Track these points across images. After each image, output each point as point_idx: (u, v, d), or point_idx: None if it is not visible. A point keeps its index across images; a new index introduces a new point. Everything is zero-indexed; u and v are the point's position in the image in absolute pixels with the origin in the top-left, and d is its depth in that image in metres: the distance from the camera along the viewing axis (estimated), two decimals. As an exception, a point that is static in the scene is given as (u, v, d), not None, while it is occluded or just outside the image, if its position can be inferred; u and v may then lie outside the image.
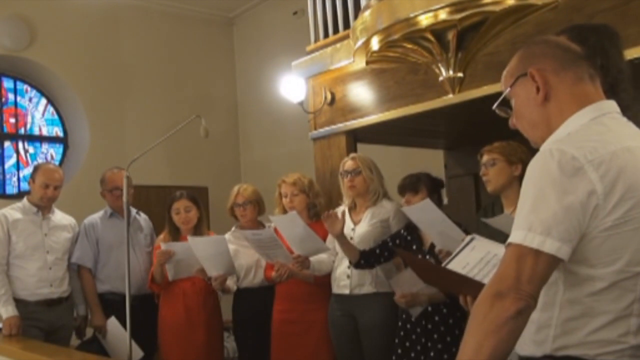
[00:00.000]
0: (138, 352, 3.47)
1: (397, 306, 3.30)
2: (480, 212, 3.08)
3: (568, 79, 1.45)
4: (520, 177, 2.84)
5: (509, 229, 2.55)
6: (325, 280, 3.54)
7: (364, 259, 3.26)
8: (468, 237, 1.88)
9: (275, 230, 3.53)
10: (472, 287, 1.61)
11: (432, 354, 3.03)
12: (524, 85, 1.48)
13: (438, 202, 3.24)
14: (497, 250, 1.82)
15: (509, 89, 1.53)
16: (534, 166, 1.36)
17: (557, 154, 1.31)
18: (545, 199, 1.29)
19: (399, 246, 3.23)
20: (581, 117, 1.42)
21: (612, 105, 1.46)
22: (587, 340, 1.32)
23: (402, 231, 3.29)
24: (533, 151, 2.96)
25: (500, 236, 2.68)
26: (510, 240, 1.32)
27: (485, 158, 2.91)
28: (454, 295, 1.77)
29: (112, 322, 3.70)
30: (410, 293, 3.04)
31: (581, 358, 1.33)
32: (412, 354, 3.10)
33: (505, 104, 1.57)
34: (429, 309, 3.09)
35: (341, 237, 3.25)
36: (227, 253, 3.52)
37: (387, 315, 3.31)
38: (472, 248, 1.90)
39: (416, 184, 3.20)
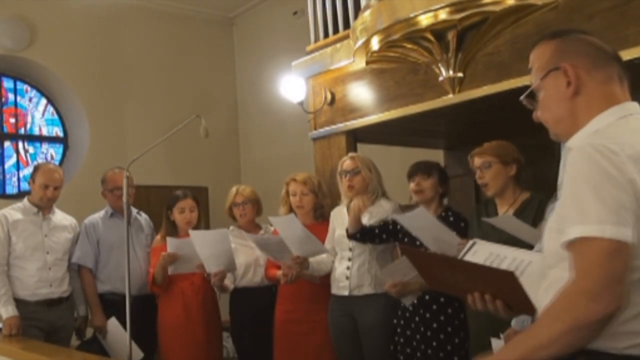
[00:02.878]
0: (138, 353, 3.47)
1: (397, 306, 3.30)
2: (474, 212, 3.08)
3: (599, 77, 1.47)
4: (515, 177, 2.85)
5: (511, 229, 2.53)
6: (330, 281, 3.54)
7: (360, 234, 3.26)
8: (470, 242, 1.86)
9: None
10: (496, 279, 1.53)
11: (434, 343, 3.05)
12: (555, 79, 1.50)
13: (445, 194, 3.27)
14: (499, 251, 1.80)
15: (538, 82, 1.55)
16: (579, 162, 1.35)
17: (601, 148, 1.32)
18: (605, 190, 1.29)
19: (399, 230, 3.22)
20: (608, 116, 1.44)
21: (636, 107, 1.48)
22: (617, 331, 1.31)
23: None
24: (524, 150, 2.96)
25: (493, 234, 2.68)
26: (580, 234, 1.29)
27: (478, 161, 2.89)
28: (460, 298, 1.68)
29: (112, 323, 3.70)
30: (401, 282, 3.04)
31: (609, 353, 1.32)
32: (414, 343, 3.13)
33: (531, 96, 1.58)
34: (427, 297, 3.10)
35: (359, 210, 3.23)
36: (229, 248, 3.51)
37: (387, 316, 3.31)
38: (474, 252, 1.86)
39: (429, 168, 3.20)
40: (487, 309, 1.56)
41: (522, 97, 1.60)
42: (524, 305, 1.48)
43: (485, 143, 2.92)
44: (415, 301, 3.15)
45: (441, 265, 1.66)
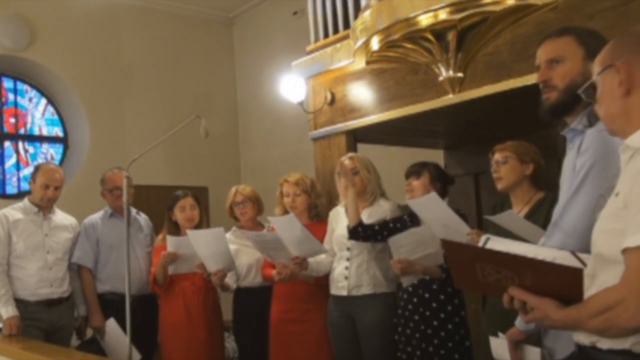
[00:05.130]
0: (136, 355, 3.45)
1: (395, 306, 3.30)
2: (490, 212, 3.08)
3: None
4: (531, 177, 2.85)
5: (514, 227, 2.52)
6: (325, 280, 3.54)
7: (361, 228, 3.27)
8: (483, 238, 1.83)
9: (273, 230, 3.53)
10: (557, 275, 1.44)
11: (435, 341, 3.06)
12: (609, 77, 1.48)
13: (441, 193, 3.24)
14: (517, 248, 1.75)
15: (596, 77, 1.52)
16: None
17: None
18: None
19: (398, 229, 3.22)
20: None
21: None
22: None
23: (404, 216, 3.31)
24: (541, 150, 2.95)
25: (504, 235, 2.67)
26: (636, 244, 1.27)
27: (497, 156, 2.91)
28: (499, 297, 1.57)
29: (111, 324, 3.69)
30: (406, 260, 3.04)
31: (614, 349, 1.34)
32: (413, 342, 3.13)
33: (591, 90, 1.56)
34: (426, 295, 3.11)
35: (355, 198, 3.29)
36: (226, 247, 3.50)
37: (386, 316, 3.31)
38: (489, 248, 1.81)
39: (420, 170, 3.22)
40: (523, 308, 1.52)
41: (580, 91, 1.59)
42: (573, 302, 1.44)
43: (509, 141, 2.93)
44: (415, 298, 3.15)
45: (489, 260, 1.54)
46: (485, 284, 1.57)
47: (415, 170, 3.24)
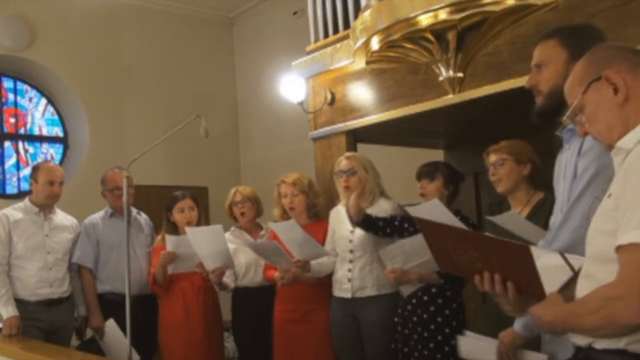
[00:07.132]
0: (135, 356, 3.44)
1: (399, 306, 3.30)
2: (487, 211, 3.07)
3: None
4: (529, 177, 2.83)
5: (515, 228, 2.52)
6: (327, 281, 3.53)
7: (365, 221, 3.24)
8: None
9: (273, 234, 3.53)
10: (509, 253, 1.48)
11: (431, 345, 3.06)
12: (599, 90, 1.48)
13: (454, 194, 3.25)
14: None
15: (580, 97, 1.52)
16: None
17: None
18: None
19: (404, 228, 3.21)
20: None
21: None
22: None
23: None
24: (539, 150, 2.94)
25: (505, 235, 2.67)
26: (634, 240, 1.27)
27: (493, 158, 2.88)
28: (470, 278, 1.62)
29: (110, 324, 3.68)
30: (400, 269, 3.04)
31: (609, 348, 1.34)
32: (411, 342, 3.14)
33: (572, 114, 1.55)
34: (425, 297, 3.11)
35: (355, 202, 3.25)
36: (225, 244, 3.50)
37: (389, 316, 3.30)
38: None
39: (433, 172, 3.20)
40: (494, 292, 1.53)
41: (565, 117, 1.58)
42: (534, 288, 1.46)
43: (502, 141, 2.92)
44: (413, 300, 3.15)
45: (455, 238, 1.60)
46: (459, 265, 1.62)
47: (428, 172, 3.21)
